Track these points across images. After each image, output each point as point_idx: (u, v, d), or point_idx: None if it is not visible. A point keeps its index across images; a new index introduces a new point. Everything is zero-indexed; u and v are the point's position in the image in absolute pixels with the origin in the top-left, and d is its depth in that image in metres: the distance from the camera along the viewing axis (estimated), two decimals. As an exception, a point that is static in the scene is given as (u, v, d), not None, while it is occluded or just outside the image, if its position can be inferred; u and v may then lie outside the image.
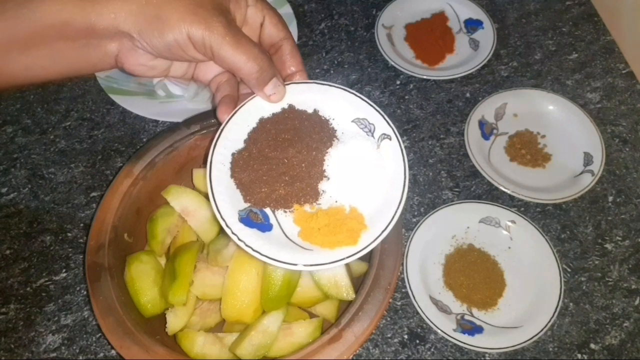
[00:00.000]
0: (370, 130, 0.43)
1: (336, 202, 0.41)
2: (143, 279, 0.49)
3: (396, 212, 0.39)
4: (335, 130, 0.43)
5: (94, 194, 0.66)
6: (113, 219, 0.50)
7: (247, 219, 0.39)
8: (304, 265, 0.37)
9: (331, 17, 0.81)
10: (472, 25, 0.79)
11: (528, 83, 0.73)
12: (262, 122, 0.43)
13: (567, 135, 0.67)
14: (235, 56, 0.39)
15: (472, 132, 0.67)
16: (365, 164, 0.42)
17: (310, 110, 0.44)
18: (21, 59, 0.41)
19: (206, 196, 0.45)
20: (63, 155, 0.69)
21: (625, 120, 0.69)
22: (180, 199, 0.52)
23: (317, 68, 0.75)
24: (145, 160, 0.54)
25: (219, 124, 0.43)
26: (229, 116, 0.43)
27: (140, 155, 0.54)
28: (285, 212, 0.40)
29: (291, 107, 0.43)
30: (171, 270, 0.49)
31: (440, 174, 0.66)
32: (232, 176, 0.41)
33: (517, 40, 0.77)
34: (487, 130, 0.68)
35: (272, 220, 0.40)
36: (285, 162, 0.41)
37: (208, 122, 0.56)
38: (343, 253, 0.38)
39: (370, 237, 0.38)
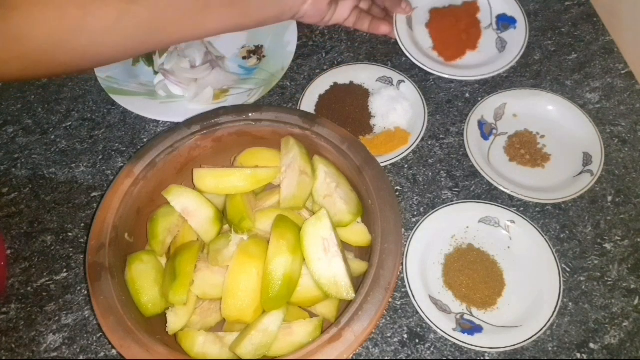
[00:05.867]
0: (390, 82, 0.70)
1: (384, 128, 0.68)
2: (144, 278, 0.49)
3: (424, 120, 0.66)
4: (367, 88, 0.71)
5: (94, 193, 0.66)
6: (114, 218, 0.50)
7: None
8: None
9: (331, 17, 0.81)
10: (504, 22, 0.72)
11: (527, 83, 0.73)
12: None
13: (567, 136, 0.67)
14: None
15: (471, 132, 0.67)
16: (393, 100, 0.67)
17: (348, 82, 0.71)
18: (243, 7, 0.51)
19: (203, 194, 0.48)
20: (64, 155, 0.69)
21: (625, 121, 0.70)
22: (180, 199, 0.53)
23: (317, 68, 0.75)
24: (145, 160, 0.54)
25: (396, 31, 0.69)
26: (395, 28, 0.67)
27: (140, 155, 0.54)
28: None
29: (335, 83, 0.71)
30: (172, 270, 0.49)
31: (440, 174, 0.66)
32: None
33: (517, 41, 0.77)
34: (486, 131, 0.68)
35: None
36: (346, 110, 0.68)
37: (208, 122, 0.56)
38: (401, 150, 0.64)
39: (413, 139, 0.65)
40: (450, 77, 0.69)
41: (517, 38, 0.70)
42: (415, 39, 0.72)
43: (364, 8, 0.66)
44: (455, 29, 0.71)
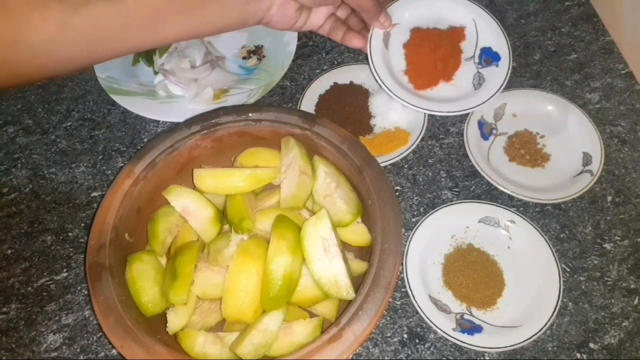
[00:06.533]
0: None
1: (384, 127, 0.68)
2: (144, 278, 0.49)
3: (424, 120, 0.67)
4: (367, 88, 0.71)
5: (95, 194, 0.66)
6: (114, 218, 0.50)
7: None
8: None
9: (331, 17, 0.81)
10: (487, 56, 0.65)
11: (527, 83, 0.73)
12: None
13: (566, 136, 0.68)
14: None
15: (471, 132, 0.67)
16: (393, 100, 0.63)
17: (348, 82, 0.72)
18: (200, 13, 0.49)
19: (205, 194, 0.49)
20: (64, 155, 0.69)
21: (624, 121, 0.70)
22: (181, 199, 0.53)
23: (317, 69, 0.75)
24: (146, 160, 0.54)
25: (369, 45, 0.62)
26: (368, 43, 0.61)
27: (141, 155, 0.54)
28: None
29: (335, 83, 0.72)
30: (172, 270, 0.49)
31: (440, 174, 0.66)
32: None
33: (517, 41, 0.78)
34: (486, 131, 0.68)
35: None
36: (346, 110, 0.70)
37: (208, 122, 0.56)
38: (401, 150, 0.64)
39: (413, 139, 0.66)
40: (415, 108, 0.61)
41: (496, 78, 0.63)
42: (388, 59, 0.64)
43: (341, 17, 0.61)
44: (431, 56, 0.63)
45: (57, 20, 0.43)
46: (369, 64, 0.62)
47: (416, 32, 0.65)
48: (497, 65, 0.64)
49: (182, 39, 0.52)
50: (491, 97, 0.62)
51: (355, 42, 0.60)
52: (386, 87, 0.62)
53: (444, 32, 0.66)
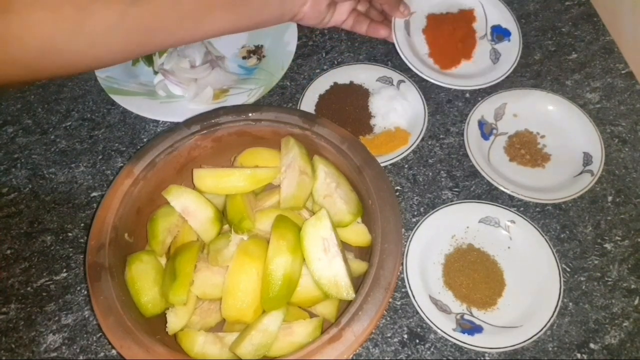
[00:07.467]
0: (390, 81, 0.70)
1: (384, 127, 0.68)
2: (143, 278, 0.49)
3: (424, 120, 0.67)
4: (367, 88, 0.71)
5: (94, 194, 0.66)
6: (114, 218, 0.50)
7: None
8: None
9: (331, 17, 0.81)
10: (498, 33, 0.73)
11: (527, 83, 0.73)
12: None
13: (567, 136, 0.67)
14: None
15: (471, 132, 0.67)
16: (393, 100, 0.68)
17: (348, 82, 0.72)
18: (243, 9, 0.52)
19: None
20: (64, 155, 0.69)
21: (625, 121, 0.70)
22: (180, 199, 0.53)
23: (317, 68, 0.75)
24: (145, 160, 0.54)
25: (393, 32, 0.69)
26: (393, 32, 0.67)
27: (140, 155, 0.54)
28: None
29: (335, 83, 0.72)
30: (171, 270, 0.49)
31: (440, 174, 0.66)
32: None
33: (517, 41, 0.77)
34: (486, 131, 0.68)
35: None
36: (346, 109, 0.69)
37: (208, 122, 0.56)
38: (401, 150, 0.65)
39: (413, 139, 0.66)
40: (447, 85, 0.69)
41: (511, 51, 0.71)
42: (412, 45, 0.71)
43: (361, 10, 0.66)
44: (452, 38, 0.71)
45: (118, 10, 0.45)
46: (398, 52, 0.68)
47: (431, 17, 0.74)
48: (509, 40, 0.72)
49: (222, 33, 0.54)
50: (510, 68, 0.70)
51: (381, 32, 0.66)
52: (419, 71, 0.68)
53: (456, 15, 0.74)
